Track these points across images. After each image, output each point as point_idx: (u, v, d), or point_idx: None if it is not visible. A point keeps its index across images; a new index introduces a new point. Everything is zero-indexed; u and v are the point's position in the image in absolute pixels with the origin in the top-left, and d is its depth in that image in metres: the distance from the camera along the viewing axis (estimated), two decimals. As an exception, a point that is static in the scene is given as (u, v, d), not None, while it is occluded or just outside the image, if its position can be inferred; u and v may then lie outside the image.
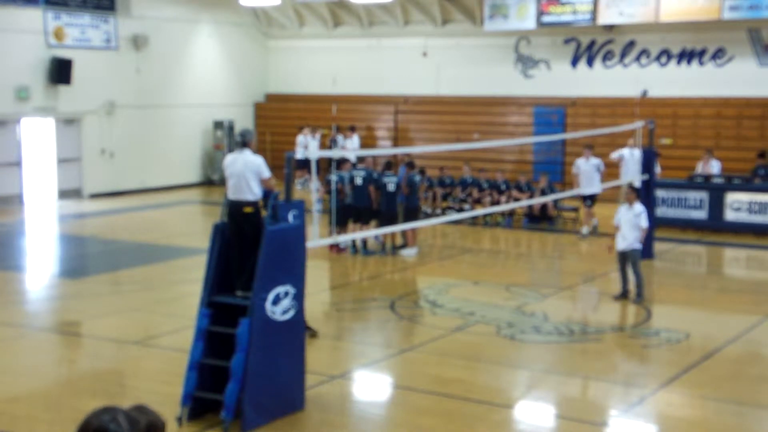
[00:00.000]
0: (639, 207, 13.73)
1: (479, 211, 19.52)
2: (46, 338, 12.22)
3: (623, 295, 13.78)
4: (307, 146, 25.66)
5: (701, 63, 23.85)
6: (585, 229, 19.33)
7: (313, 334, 11.45)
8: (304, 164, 23.52)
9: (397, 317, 12.94)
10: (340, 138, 26.67)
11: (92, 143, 25.53)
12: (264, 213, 9.04)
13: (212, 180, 28.29)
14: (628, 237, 13.61)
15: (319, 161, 18.53)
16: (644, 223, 13.66)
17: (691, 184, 20.01)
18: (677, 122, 24.14)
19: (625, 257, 13.68)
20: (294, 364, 8.97)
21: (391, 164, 18.21)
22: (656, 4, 22.77)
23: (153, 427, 3.16)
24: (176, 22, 27.44)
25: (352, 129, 26.90)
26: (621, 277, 13.83)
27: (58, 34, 24.28)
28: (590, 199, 19.19)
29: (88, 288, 14.92)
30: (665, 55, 24.30)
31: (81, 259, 18.29)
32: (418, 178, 18.03)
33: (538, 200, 19.79)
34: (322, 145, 26.61)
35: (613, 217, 14.04)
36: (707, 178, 20.04)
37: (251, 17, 29.92)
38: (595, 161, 19.06)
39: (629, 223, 13.61)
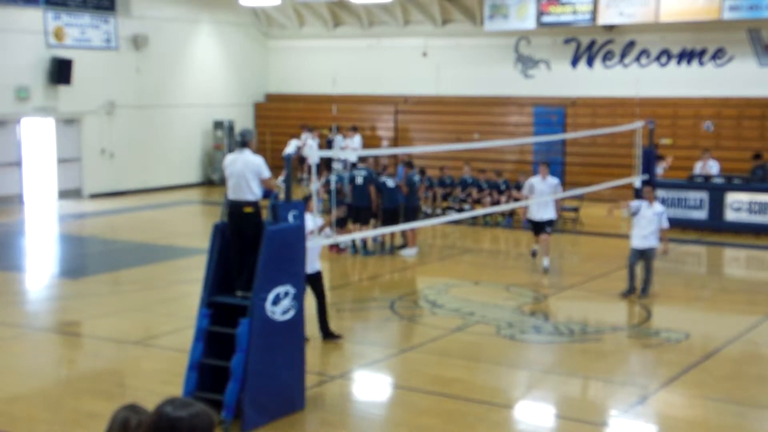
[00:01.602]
0: (660, 206, 13.89)
1: (479, 211, 19.51)
2: (46, 338, 12.22)
3: (630, 292, 13.83)
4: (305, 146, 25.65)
5: (701, 63, 23.84)
6: (546, 261, 15.96)
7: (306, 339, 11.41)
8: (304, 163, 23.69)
9: (397, 317, 12.94)
10: (339, 138, 26.64)
11: (92, 143, 25.53)
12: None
13: (212, 180, 28.30)
14: (648, 235, 13.67)
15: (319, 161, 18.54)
16: (665, 222, 13.75)
17: (691, 184, 20.00)
18: (677, 122, 24.14)
19: (641, 255, 13.74)
20: (294, 364, 8.97)
21: (385, 166, 18.32)
22: (656, 4, 22.76)
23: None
24: (176, 22, 27.43)
25: (354, 129, 26.87)
26: (629, 274, 13.86)
27: (58, 34, 24.27)
28: (549, 226, 16.07)
29: (88, 288, 14.92)
30: (665, 55, 24.29)
31: (81, 259, 18.29)
32: (417, 177, 18.04)
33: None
34: (321, 146, 26.60)
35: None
36: (707, 178, 20.03)
37: (251, 17, 29.92)
38: (553, 181, 16.23)
39: (648, 220, 13.66)
